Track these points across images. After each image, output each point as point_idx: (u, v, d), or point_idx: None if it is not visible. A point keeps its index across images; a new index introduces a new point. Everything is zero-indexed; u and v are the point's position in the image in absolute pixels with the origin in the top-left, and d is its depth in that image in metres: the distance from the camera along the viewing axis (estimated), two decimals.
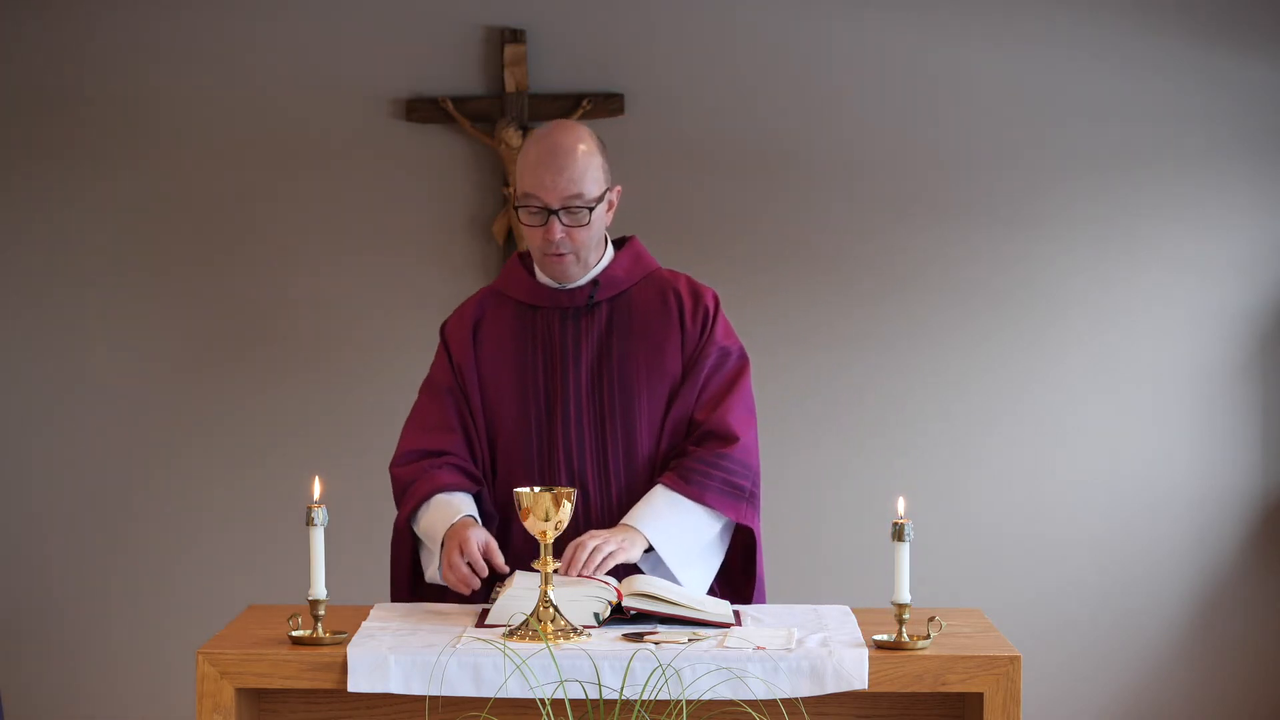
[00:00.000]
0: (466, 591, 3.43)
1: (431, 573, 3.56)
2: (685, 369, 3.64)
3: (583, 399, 3.61)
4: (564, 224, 3.54)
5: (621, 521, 3.51)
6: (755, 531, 3.61)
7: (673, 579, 3.48)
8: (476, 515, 3.54)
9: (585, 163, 3.54)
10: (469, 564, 3.42)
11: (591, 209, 3.55)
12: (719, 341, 3.67)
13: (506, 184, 5.42)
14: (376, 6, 5.51)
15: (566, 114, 5.43)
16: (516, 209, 3.58)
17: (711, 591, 3.59)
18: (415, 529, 3.60)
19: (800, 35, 5.51)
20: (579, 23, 5.51)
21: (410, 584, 3.65)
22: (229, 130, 5.55)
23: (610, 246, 3.71)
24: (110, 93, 5.55)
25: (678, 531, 3.50)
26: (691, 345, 3.65)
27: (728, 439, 3.58)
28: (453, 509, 3.52)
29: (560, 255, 3.58)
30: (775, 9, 5.50)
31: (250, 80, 5.54)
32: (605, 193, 3.59)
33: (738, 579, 3.65)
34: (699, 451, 3.57)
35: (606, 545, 3.40)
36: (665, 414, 3.62)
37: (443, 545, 3.49)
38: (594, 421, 3.61)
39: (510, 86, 5.47)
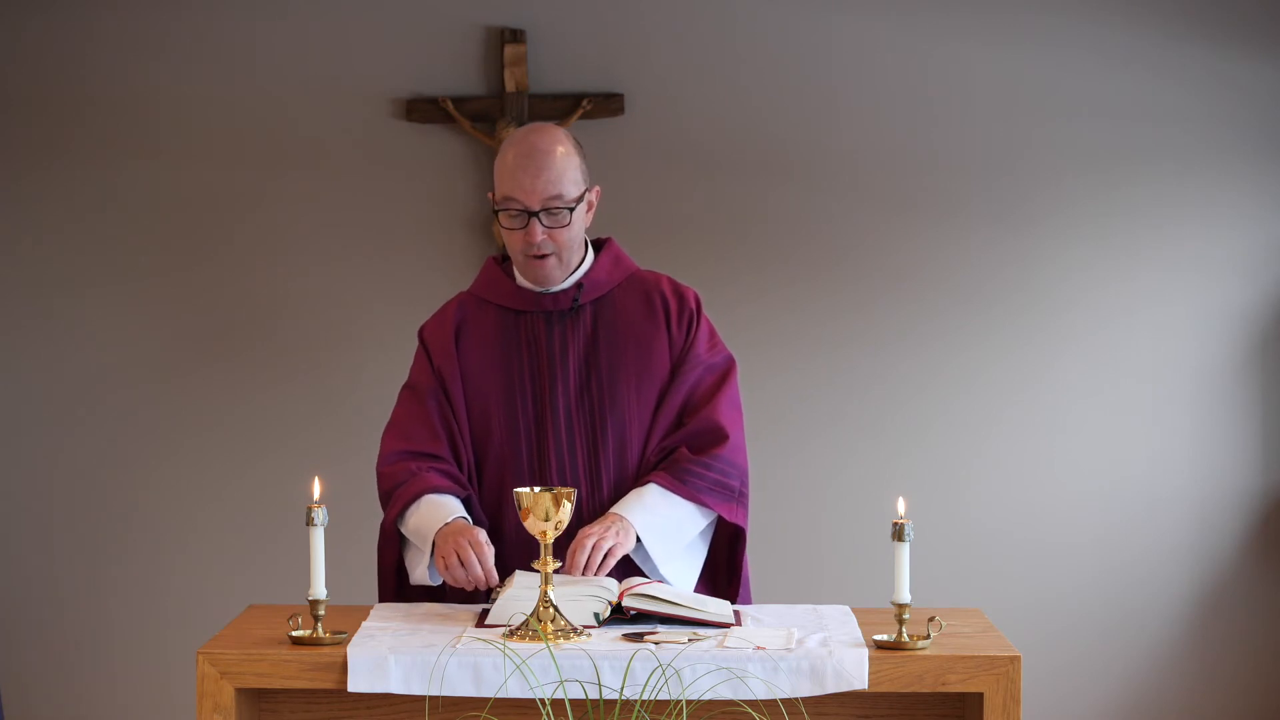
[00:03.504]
0: (470, 588, 3.43)
1: (420, 574, 3.55)
2: (672, 371, 3.65)
3: (572, 402, 3.62)
4: (545, 225, 3.55)
5: (611, 510, 3.51)
6: (744, 531, 3.62)
7: (655, 573, 3.49)
8: (468, 518, 3.54)
9: (564, 164, 3.55)
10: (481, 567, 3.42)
11: (571, 209, 3.56)
12: (704, 345, 3.68)
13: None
14: (376, 7, 5.52)
15: (567, 114, 5.44)
16: (496, 213, 3.59)
17: (697, 590, 3.60)
18: (402, 529, 3.59)
19: (800, 36, 5.51)
20: (579, 23, 5.51)
21: (396, 586, 3.64)
22: (229, 130, 5.56)
23: (590, 248, 3.72)
24: (111, 92, 5.55)
25: (666, 527, 3.52)
26: (678, 348, 3.66)
27: (717, 436, 3.59)
28: (445, 509, 3.51)
29: (542, 257, 3.59)
30: (775, 10, 5.51)
31: (251, 80, 5.55)
32: (584, 193, 3.60)
33: (722, 579, 3.66)
34: (690, 452, 3.57)
35: (605, 541, 3.41)
36: (654, 415, 3.63)
37: (434, 546, 3.49)
38: (584, 424, 3.61)
39: (510, 86, 5.47)
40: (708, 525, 3.61)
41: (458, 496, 3.57)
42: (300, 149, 5.56)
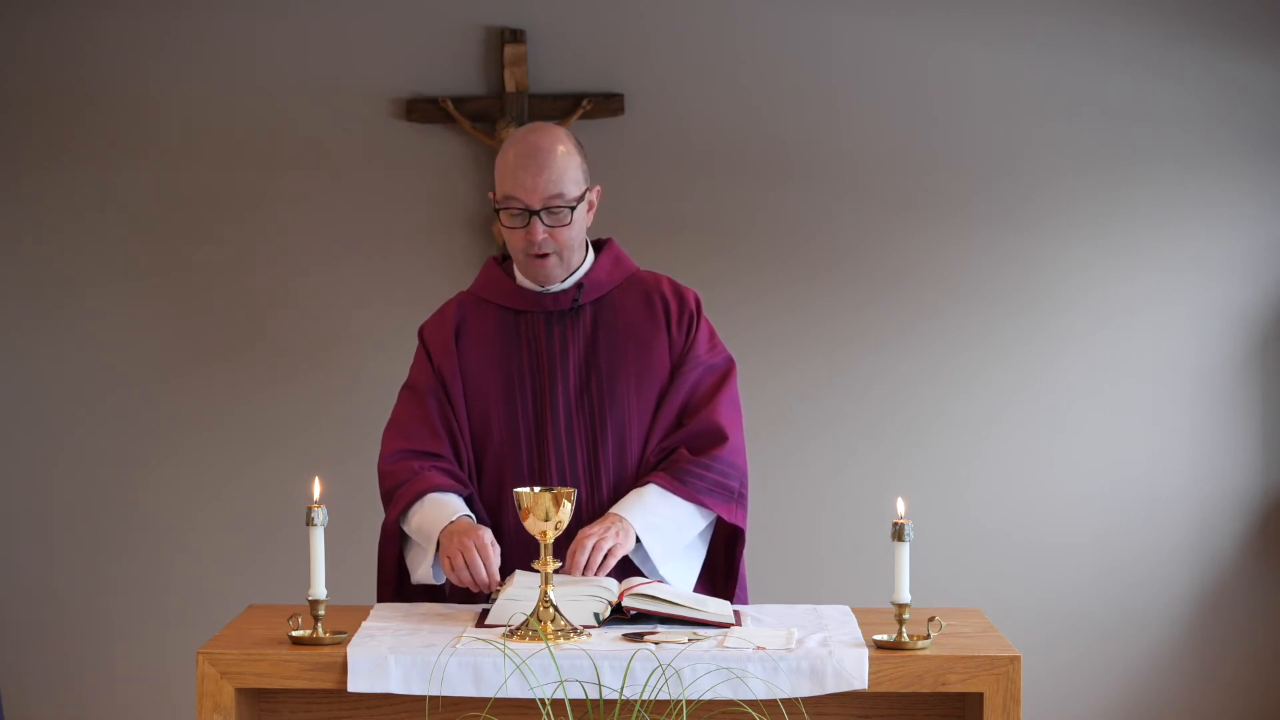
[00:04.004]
0: (475, 589, 3.43)
1: (422, 572, 3.55)
2: (672, 372, 3.65)
3: (571, 402, 3.62)
4: (545, 224, 3.56)
5: (611, 510, 3.51)
6: (743, 531, 3.62)
7: (655, 573, 3.49)
8: (473, 516, 3.54)
9: (565, 163, 3.55)
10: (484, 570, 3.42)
11: (573, 209, 3.57)
12: (704, 346, 3.68)
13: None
14: (376, 7, 5.52)
15: (566, 114, 5.43)
16: (497, 211, 3.59)
17: (695, 590, 3.60)
18: (405, 528, 3.59)
19: (800, 36, 5.51)
20: (579, 23, 5.51)
21: (396, 585, 3.64)
22: (229, 130, 5.56)
23: (590, 249, 3.72)
24: (111, 92, 5.55)
25: (666, 528, 3.52)
26: (677, 349, 3.66)
27: (717, 437, 3.60)
28: (449, 508, 3.52)
29: (543, 256, 3.59)
30: (775, 10, 5.50)
31: (251, 80, 5.55)
32: (585, 193, 3.60)
33: (720, 579, 3.66)
34: (690, 453, 3.58)
35: (605, 541, 3.41)
36: (653, 416, 3.63)
37: (438, 545, 3.48)
38: (584, 424, 3.61)
39: (510, 86, 5.47)
40: (707, 526, 3.61)
41: (460, 495, 3.57)
42: (300, 149, 5.56)
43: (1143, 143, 5.52)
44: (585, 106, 5.46)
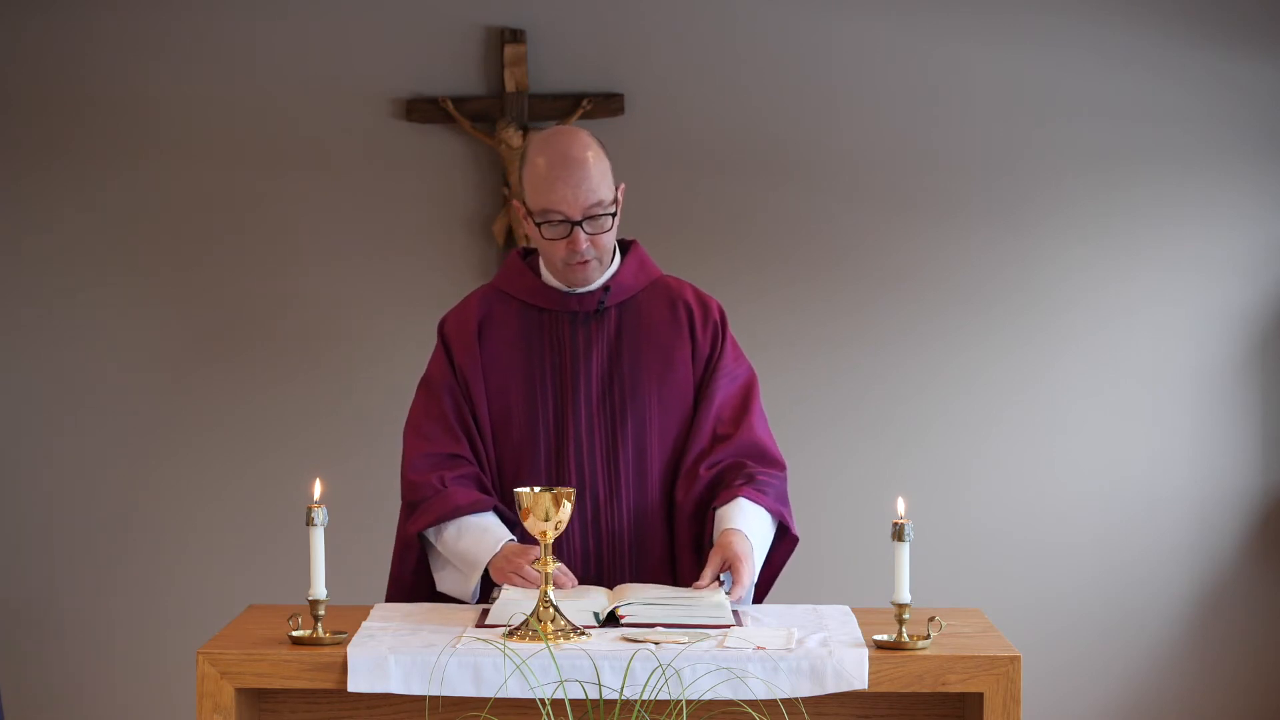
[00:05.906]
0: None
1: (460, 592, 3.55)
2: (698, 382, 3.66)
3: (593, 404, 3.61)
4: (588, 233, 3.54)
5: (730, 528, 3.51)
6: (796, 540, 3.70)
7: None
8: (514, 538, 3.53)
9: (598, 169, 3.54)
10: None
11: (613, 215, 3.57)
12: (732, 358, 3.70)
13: (506, 184, 5.44)
14: (376, 7, 5.52)
15: (566, 114, 5.43)
16: (538, 225, 3.56)
17: None
18: (439, 545, 3.57)
19: (800, 35, 5.51)
20: (579, 23, 5.51)
21: (412, 590, 3.63)
22: (229, 130, 5.55)
23: (616, 249, 3.72)
24: (111, 93, 5.55)
25: (762, 541, 3.57)
26: (702, 358, 3.68)
27: (772, 460, 3.66)
28: (491, 535, 3.51)
29: (585, 262, 3.59)
30: (775, 10, 5.51)
31: (251, 81, 5.55)
32: (615, 192, 3.60)
33: (761, 581, 3.70)
34: (758, 466, 3.62)
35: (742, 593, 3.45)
36: (675, 422, 3.64)
37: (486, 571, 3.49)
38: (605, 427, 3.61)
39: (510, 86, 5.47)
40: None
41: (489, 508, 3.56)
42: (300, 149, 5.56)
43: (1143, 143, 5.52)
44: (585, 106, 5.46)
